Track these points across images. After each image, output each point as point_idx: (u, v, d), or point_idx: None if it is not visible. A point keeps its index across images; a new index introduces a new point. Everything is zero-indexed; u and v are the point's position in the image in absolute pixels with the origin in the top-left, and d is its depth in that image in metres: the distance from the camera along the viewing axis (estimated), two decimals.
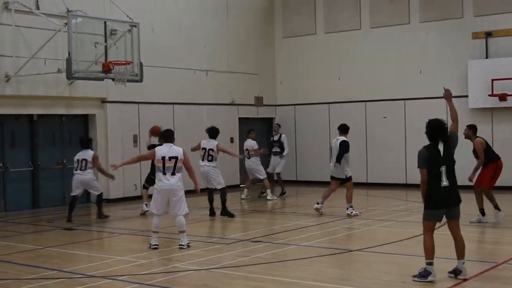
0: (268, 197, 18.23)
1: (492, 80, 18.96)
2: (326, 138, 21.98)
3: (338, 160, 14.58)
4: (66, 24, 15.01)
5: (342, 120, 20.83)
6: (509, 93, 18.73)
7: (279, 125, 20.24)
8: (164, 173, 10.98)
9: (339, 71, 22.42)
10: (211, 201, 15.15)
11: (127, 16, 16.27)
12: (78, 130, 18.13)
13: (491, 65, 19.19)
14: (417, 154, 8.42)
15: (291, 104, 23.54)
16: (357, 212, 14.59)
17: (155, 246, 11.04)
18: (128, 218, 15.29)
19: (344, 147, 14.62)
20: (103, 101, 18.21)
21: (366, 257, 10.21)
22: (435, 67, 20.54)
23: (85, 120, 18.31)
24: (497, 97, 18.91)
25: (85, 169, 14.64)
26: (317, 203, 14.86)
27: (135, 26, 15.90)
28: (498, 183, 13.46)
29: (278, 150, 19.24)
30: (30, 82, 16.25)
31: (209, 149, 14.96)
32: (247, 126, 22.71)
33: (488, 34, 19.59)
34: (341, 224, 13.59)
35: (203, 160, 14.98)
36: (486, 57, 19.57)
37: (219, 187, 14.99)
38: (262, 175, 18.34)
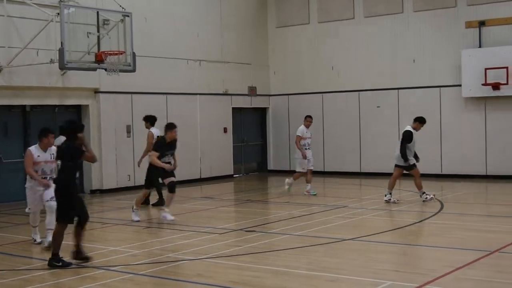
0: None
1: (486, 69, 18.98)
2: (319, 127, 21.99)
3: (401, 151, 14.59)
4: (58, 14, 14.92)
5: (336, 110, 20.95)
6: (502, 82, 18.75)
7: None
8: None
9: (333, 60, 22.40)
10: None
11: (120, 6, 16.19)
12: None
13: (484, 54, 19.21)
14: None
15: (285, 94, 23.51)
16: (432, 196, 14.63)
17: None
18: (121, 208, 15.25)
19: (404, 136, 14.63)
20: (96, 91, 18.15)
21: (359, 246, 10.23)
22: (428, 57, 20.54)
23: (78, 111, 18.24)
24: (490, 86, 18.93)
25: None
26: (385, 195, 14.80)
27: (127, 16, 15.83)
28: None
29: None
30: (23, 73, 16.18)
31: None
32: (240, 116, 22.78)
33: (481, 23, 19.59)
34: (334, 213, 13.61)
35: None
36: (480, 46, 19.58)
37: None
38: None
